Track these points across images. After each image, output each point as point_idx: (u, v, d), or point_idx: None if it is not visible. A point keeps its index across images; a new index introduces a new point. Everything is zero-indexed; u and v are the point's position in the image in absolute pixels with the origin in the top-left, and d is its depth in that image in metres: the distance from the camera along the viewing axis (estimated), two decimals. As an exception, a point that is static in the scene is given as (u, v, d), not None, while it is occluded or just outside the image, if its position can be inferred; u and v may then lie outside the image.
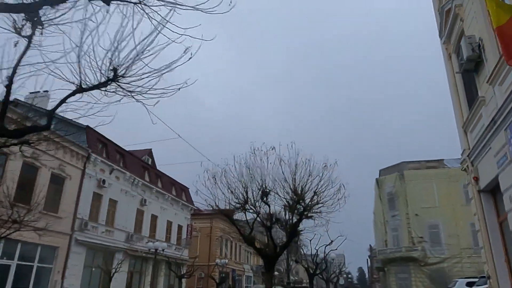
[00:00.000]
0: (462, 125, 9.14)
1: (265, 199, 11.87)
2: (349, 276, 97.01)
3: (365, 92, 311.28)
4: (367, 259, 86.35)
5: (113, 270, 20.99)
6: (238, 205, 11.96)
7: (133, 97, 4.52)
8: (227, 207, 12.39)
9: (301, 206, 11.66)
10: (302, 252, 20.30)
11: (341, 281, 54.28)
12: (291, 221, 12.09)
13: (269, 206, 12.16)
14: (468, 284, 16.08)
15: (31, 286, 18.76)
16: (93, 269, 23.02)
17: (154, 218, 30.83)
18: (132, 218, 27.73)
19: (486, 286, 11.71)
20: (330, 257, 26.49)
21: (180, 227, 35.30)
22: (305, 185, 11.69)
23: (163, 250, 23.48)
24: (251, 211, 12.00)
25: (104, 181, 24.18)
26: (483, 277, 13.03)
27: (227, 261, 37.58)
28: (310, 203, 11.71)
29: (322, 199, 11.69)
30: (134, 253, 26.60)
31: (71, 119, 25.17)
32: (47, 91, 28.26)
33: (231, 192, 11.96)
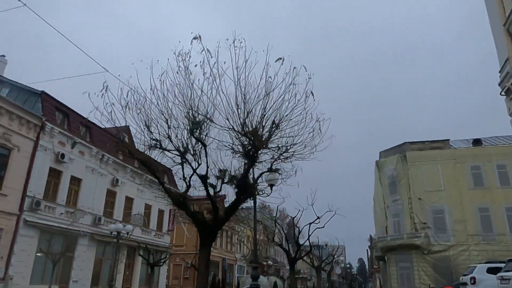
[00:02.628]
0: (503, 22, 5.96)
1: (196, 133, 7.97)
2: (348, 266, 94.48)
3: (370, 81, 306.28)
4: (367, 250, 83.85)
5: (58, 256, 17.91)
6: (155, 143, 8.58)
7: None
8: (142, 147, 9.04)
9: (253, 144, 7.65)
10: (283, 232, 17.06)
11: (338, 271, 51.57)
12: (240, 170, 8.62)
13: (204, 146, 8.27)
14: (490, 270, 13.01)
15: (-36, 274, 15.83)
16: (49, 255, 19.99)
17: (129, 200, 27.81)
18: (101, 199, 24.71)
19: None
20: (323, 242, 23.43)
21: (161, 212, 32.28)
22: (261, 111, 7.54)
23: (127, 233, 20.46)
24: (173, 152, 8.55)
25: (63, 156, 21.08)
26: (514, 260, 9.92)
27: (212, 248, 34.54)
28: (268, 138, 7.70)
29: (288, 134, 7.78)
30: (102, 238, 23.64)
31: (24, 84, 22.26)
32: (3, 56, 25.22)
33: (146, 126, 8.13)
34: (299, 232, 16.81)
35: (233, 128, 7.52)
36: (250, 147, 7.62)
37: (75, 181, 22.59)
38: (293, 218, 17.37)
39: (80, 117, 23.86)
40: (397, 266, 35.54)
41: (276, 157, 8.11)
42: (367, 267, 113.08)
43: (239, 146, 7.71)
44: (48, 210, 20.10)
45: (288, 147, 7.74)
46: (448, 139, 37.94)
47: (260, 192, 9.24)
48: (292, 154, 7.83)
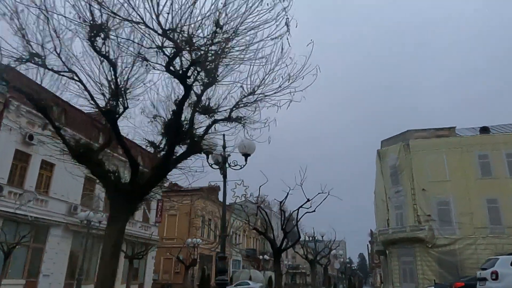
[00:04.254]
0: None
1: (96, 43, 5.28)
2: (348, 261, 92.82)
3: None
4: (367, 244, 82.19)
5: (10, 246, 15.95)
6: (29, 56, 6.20)
7: None
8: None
9: (177, 49, 4.85)
10: (267, 219, 15.09)
11: (337, 265, 49.90)
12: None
13: (113, 68, 5.60)
14: (515, 262, 11.04)
15: None
16: (17, 247, 18.02)
17: (111, 189, 25.83)
18: (78, 187, 22.69)
19: None
20: (319, 233, 21.53)
21: (148, 203, 30.30)
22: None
23: (99, 222, 18.50)
24: (65, 74, 6.13)
25: (31, 137, 19.08)
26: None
27: (200, 240, 32.70)
28: (206, 48, 4.91)
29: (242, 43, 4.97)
30: (79, 228, 21.71)
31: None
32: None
33: (18, 30, 5.31)
34: (285, 218, 14.77)
35: (144, 22, 4.67)
36: (172, 55, 4.92)
37: (47, 166, 20.62)
38: (281, 202, 15.40)
39: (54, 96, 21.86)
40: (399, 260, 33.65)
41: (238, 100, 5.84)
42: (367, 262, 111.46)
43: (159, 58, 5.11)
44: (13, 196, 18.15)
45: (255, 88, 5.50)
46: (454, 127, 35.87)
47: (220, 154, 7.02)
48: (261, 96, 5.55)
